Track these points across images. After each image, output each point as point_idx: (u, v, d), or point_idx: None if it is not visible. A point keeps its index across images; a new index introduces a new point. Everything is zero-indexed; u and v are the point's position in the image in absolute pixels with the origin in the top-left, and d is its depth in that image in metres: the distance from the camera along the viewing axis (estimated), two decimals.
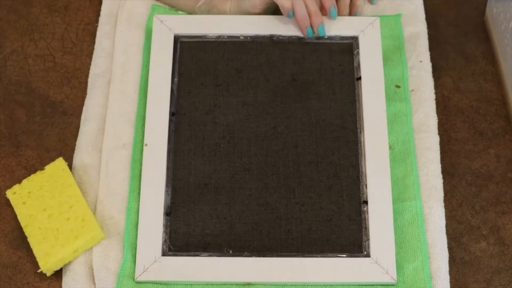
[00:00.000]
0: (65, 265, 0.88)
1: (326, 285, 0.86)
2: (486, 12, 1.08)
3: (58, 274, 0.89)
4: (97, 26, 1.06)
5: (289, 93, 0.97)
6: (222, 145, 0.94)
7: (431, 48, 1.03)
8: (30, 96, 1.02)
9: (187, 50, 1.00)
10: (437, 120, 0.98)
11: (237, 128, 0.95)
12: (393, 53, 1.01)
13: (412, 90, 0.99)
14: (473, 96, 1.02)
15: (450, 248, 0.90)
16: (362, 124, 0.94)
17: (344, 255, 0.87)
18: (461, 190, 0.95)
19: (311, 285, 0.86)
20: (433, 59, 1.03)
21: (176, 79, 0.97)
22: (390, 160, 0.93)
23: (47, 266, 0.87)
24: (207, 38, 1.00)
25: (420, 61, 1.02)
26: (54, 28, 1.07)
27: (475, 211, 0.93)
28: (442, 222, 0.91)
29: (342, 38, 1.00)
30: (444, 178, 0.94)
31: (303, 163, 0.92)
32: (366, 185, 0.90)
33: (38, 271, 0.87)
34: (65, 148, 0.97)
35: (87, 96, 1.00)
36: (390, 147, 0.94)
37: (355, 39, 1.00)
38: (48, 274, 0.88)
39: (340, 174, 0.92)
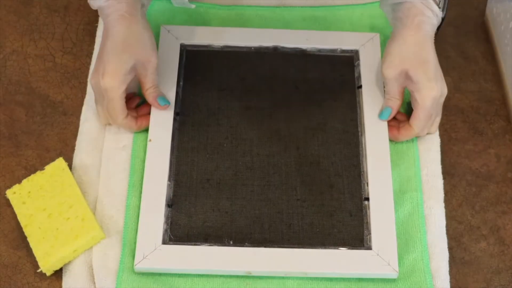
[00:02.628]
0: (65, 265, 0.88)
1: (327, 277, 0.86)
2: (486, 12, 1.08)
3: (58, 274, 0.89)
4: (97, 26, 1.06)
5: (291, 100, 0.98)
6: (225, 145, 0.95)
7: None
8: (30, 96, 1.02)
9: (192, 58, 1.01)
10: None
11: (240, 130, 0.96)
12: None
13: None
14: (473, 96, 1.02)
15: (450, 248, 0.90)
16: (363, 128, 0.95)
17: (346, 248, 0.88)
18: (461, 190, 0.95)
19: (312, 276, 0.87)
20: None
21: (181, 83, 0.99)
22: (393, 153, 0.94)
23: (47, 266, 0.87)
24: (212, 47, 1.02)
25: None
26: (54, 28, 1.07)
27: (475, 211, 0.93)
28: (442, 222, 0.91)
29: (343, 51, 1.02)
30: (444, 178, 0.94)
31: (305, 163, 0.93)
32: (367, 183, 0.91)
33: (38, 270, 0.87)
34: (65, 148, 0.97)
35: (87, 96, 1.00)
36: (392, 140, 0.95)
37: (355, 52, 1.01)
38: (48, 274, 0.88)
39: (341, 173, 0.93)
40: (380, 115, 0.95)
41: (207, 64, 1.01)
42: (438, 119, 0.95)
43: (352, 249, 0.87)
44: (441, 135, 0.97)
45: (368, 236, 0.88)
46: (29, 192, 0.91)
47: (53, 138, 0.98)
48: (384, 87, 0.95)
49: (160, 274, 0.87)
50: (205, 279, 0.87)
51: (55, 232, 0.88)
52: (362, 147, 0.94)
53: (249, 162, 0.93)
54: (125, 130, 0.96)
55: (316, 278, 0.87)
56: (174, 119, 0.95)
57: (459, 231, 0.92)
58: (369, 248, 0.87)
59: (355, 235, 0.89)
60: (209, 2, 1.07)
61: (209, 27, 1.04)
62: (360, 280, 0.87)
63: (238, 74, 1.00)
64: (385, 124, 0.95)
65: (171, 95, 0.97)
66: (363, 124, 0.95)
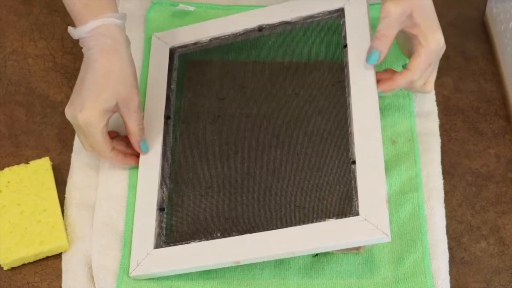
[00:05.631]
0: (65, 265, 0.88)
1: (315, 252, 0.84)
2: (486, 12, 1.08)
3: (58, 274, 0.89)
4: None
5: (290, 106, 0.97)
6: (222, 148, 0.94)
7: None
8: (30, 96, 1.02)
9: (190, 67, 1.01)
10: (438, 122, 0.98)
11: (240, 136, 0.95)
12: None
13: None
14: (473, 96, 1.02)
15: (450, 248, 0.90)
16: (349, 89, 0.90)
17: (333, 219, 0.83)
18: (461, 190, 0.95)
19: (300, 255, 0.85)
20: None
21: (172, 86, 0.99)
22: (393, 154, 0.93)
23: (6, 261, 0.87)
24: (200, 43, 1.01)
25: None
26: (54, 28, 1.07)
27: (475, 211, 0.93)
28: (443, 222, 0.90)
29: (329, 12, 0.98)
30: (444, 178, 0.94)
31: (304, 170, 0.92)
32: (354, 144, 0.87)
33: None
34: (65, 148, 0.98)
35: None
36: (392, 143, 0.95)
37: (341, 11, 0.97)
38: (5, 269, 0.88)
39: (340, 179, 0.91)
40: (368, 59, 0.89)
41: (206, 75, 1.01)
42: (434, 75, 0.91)
43: (339, 218, 0.83)
44: (441, 135, 0.97)
45: (356, 202, 0.83)
46: (8, 182, 0.91)
47: (53, 138, 0.98)
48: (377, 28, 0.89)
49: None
50: (205, 279, 0.87)
51: (23, 230, 0.88)
52: (349, 108, 0.89)
53: (247, 168, 0.93)
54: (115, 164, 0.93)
55: (316, 278, 0.86)
56: (165, 123, 0.95)
57: (459, 231, 0.92)
58: (357, 214, 0.82)
59: (342, 204, 0.84)
60: (208, 3, 1.07)
61: (193, 25, 1.03)
62: (360, 279, 0.86)
63: (237, 83, 1.00)
64: (373, 79, 0.89)
65: (162, 100, 0.97)
66: (350, 86, 0.90)
